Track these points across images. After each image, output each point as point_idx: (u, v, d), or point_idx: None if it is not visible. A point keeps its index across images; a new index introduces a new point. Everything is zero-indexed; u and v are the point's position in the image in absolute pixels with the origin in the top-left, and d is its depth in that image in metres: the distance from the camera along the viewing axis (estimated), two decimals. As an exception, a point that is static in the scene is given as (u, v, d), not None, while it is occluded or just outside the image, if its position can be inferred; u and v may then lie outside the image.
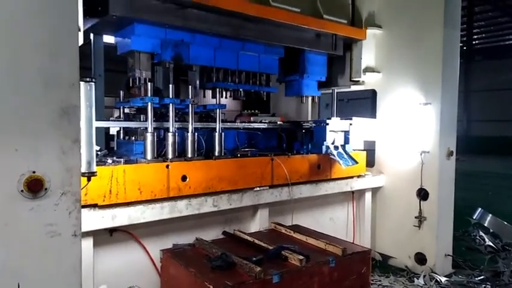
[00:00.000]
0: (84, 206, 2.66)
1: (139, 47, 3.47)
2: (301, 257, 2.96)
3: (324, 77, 4.94)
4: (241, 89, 4.23)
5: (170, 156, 3.37)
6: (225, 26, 3.76)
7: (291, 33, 4.29)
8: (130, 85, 3.72)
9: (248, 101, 4.69)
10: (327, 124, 4.45)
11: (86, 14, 3.17)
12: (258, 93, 4.41)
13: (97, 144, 2.78)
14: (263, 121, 4.57)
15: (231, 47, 4.02)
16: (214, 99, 3.97)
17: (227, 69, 4.05)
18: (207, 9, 3.58)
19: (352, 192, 4.80)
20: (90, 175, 2.48)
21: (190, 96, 3.51)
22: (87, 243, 2.81)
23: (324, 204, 4.61)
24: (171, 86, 3.45)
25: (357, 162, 4.43)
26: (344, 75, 5.18)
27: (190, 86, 3.53)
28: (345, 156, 4.37)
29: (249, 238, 3.47)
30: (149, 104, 3.31)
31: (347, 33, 4.76)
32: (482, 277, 4.38)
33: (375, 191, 5.01)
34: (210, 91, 4.11)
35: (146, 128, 3.33)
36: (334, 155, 4.32)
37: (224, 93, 4.11)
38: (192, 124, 3.53)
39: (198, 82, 3.88)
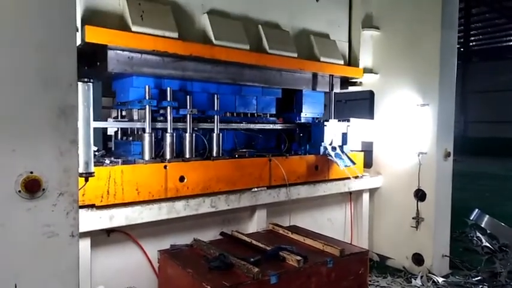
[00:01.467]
0: (81, 207, 2.65)
1: (138, 98, 3.48)
2: (299, 258, 2.96)
3: (321, 114, 4.99)
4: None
5: (168, 156, 3.37)
6: (223, 74, 3.82)
7: (288, 76, 4.37)
8: (129, 133, 3.78)
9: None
10: (325, 125, 4.46)
11: (85, 66, 3.23)
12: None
13: (94, 145, 2.77)
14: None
15: (229, 92, 4.10)
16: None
17: (225, 111, 4.11)
18: (204, 61, 3.62)
19: (350, 193, 4.81)
20: (87, 175, 2.49)
21: (188, 107, 3.51)
22: (85, 244, 2.80)
23: (321, 205, 4.61)
24: (168, 88, 3.45)
25: (354, 163, 4.43)
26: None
27: (188, 96, 3.53)
28: (343, 157, 4.38)
29: (246, 239, 3.47)
30: (147, 105, 3.31)
31: (344, 73, 4.86)
32: (479, 278, 4.39)
33: (372, 191, 5.02)
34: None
35: (144, 129, 3.33)
36: (332, 156, 4.33)
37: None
38: (190, 125, 3.53)
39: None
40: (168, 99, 3.42)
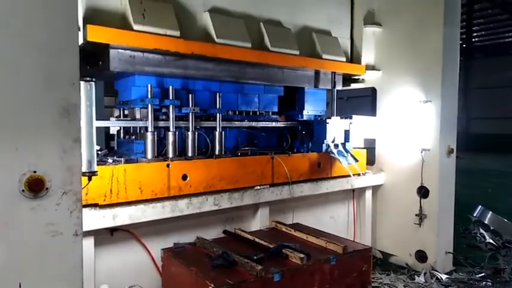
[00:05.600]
0: (85, 206, 2.66)
1: (140, 97, 3.48)
2: (302, 255, 2.96)
3: (324, 112, 4.98)
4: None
5: (171, 155, 3.38)
6: (225, 72, 3.82)
7: (290, 74, 4.37)
8: (131, 132, 3.78)
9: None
10: (327, 122, 4.45)
11: (87, 65, 3.22)
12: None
13: (97, 144, 2.78)
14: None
15: (231, 90, 4.09)
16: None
17: (227, 110, 4.09)
18: (206, 59, 3.62)
19: (353, 190, 4.81)
20: (91, 174, 2.49)
21: (190, 105, 3.51)
22: (88, 243, 2.81)
23: (324, 202, 4.61)
24: (170, 87, 3.45)
25: (357, 160, 4.42)
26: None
27: (190, 95, 3.53)
28: (345, 154, 4.37)
29: (249, 237, 3.47)
30: (149, 105, 3.31)
31: (346, 70, 4.84)
32: (482, 274, 4.39)
33: (375, 189, 5.01)
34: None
35: (146, 128, 3.33)
36: (334, 154, 4.32)
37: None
38: (192, 123, 3.53)
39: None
40: (171, 97, 3.42)
